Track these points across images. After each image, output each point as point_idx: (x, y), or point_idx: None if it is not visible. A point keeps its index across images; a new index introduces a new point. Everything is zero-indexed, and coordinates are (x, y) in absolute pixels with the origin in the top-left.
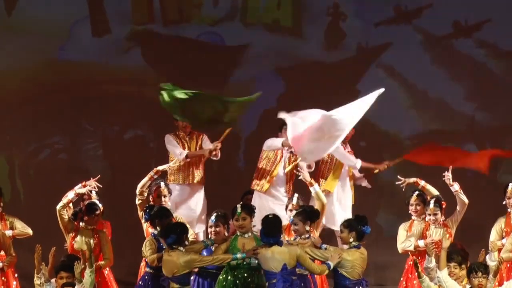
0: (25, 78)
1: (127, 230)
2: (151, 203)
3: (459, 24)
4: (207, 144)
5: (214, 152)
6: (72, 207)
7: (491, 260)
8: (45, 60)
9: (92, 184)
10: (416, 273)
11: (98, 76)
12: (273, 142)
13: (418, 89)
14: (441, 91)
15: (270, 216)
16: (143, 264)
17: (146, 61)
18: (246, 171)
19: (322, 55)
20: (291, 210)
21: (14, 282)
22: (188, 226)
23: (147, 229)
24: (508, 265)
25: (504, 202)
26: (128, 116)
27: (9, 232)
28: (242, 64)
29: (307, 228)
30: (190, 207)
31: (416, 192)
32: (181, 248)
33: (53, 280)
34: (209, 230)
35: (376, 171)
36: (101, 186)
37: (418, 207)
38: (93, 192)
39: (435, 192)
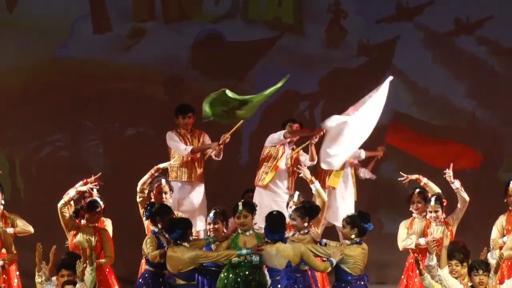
0: (26, 75)
1: (128, 228)
2: (153, 200)
3: (461, 21)
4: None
5: (221, 145)
6: (73, 204)
7: (493, 258)
8: (46, 58)
9: (93, 182)
10: (417, 271)
11: (99, 74)
12: (275, 136)
13: (419, 86)
14: (442, 88)
15: (274, 213)
16: (143, 261)
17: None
18: (247, 168)
19: (323, 52)
20: (292, 207)
21: (16, 280)
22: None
23: (149, 226)
24: (509, 263)
25: (505, 200)
26: (129, 114)
27: (10, 230)
28: (244, 62)
29: (305, 224)
30: (191, 205)
31: (417, 190)
32: (186, 244)
33: (54, 278)
34: (207, 227)
35: (379, 157)
36: (102, 183)
37: (419, 205)
38: (94, 190)
39: (437, 189)
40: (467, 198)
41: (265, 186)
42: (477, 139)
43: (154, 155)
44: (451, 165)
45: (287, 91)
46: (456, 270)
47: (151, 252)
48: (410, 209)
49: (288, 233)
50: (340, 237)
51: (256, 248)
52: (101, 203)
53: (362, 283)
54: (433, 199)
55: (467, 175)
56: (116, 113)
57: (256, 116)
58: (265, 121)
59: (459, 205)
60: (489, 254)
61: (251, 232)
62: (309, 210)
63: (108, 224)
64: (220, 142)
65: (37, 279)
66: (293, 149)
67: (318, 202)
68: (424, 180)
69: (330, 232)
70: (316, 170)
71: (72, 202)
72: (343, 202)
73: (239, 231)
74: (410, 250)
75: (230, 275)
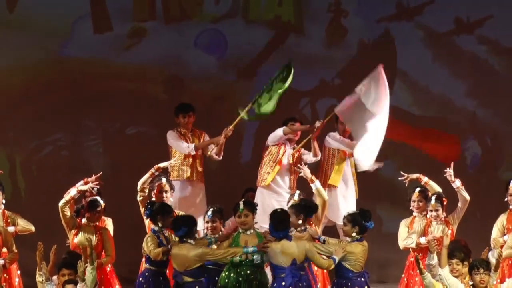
0: (26, 75)
1: (129, 227)
2: (153, 199)
3: (461, 21)
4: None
5: (225, 139)
6: (74, 204)
7: (494, 257)
8: (46, 57)
9: (94, 181)
10: (418, 270)
11: (99, 73)
12: (275, 133)
13: (420, 85)
14: (443, 87)
15: (278, 211)
16: (143, 261)
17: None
18: (248, 167)
19: (324, 51)
20: None
21: (17, 279)
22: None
23: (149, 225)
24: (510, 262)
25: (506, 199)
26: (129, 113)
27: (11, 229)
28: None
29: (300, 221)
30: (192, 204)
31: (418, 188)
32: (191, 241)
33: (55, 277)
34: (205, 225)
35: None
36: (102, 183)
37: (420, 203)
38: (95, 189)
39: (437, 188)
40: (468, 197)
41: (267, 186)
42: (477, 138)
43: (155, 155)
44: (452, 164)
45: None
46: (456, 269)
47: (153, 249)
48: (410, 208)
49: None
50: (341, 234)
51: (262, 245)
52: (101, 202)
53: (362, 279)
54: (433, 198)
55: (467, 174)
56: (117, 113)
57: None
58: (265, 120)
59: (459, 204)
60: (490, 253)
61: (251, 231)
62: (304, 207)
63: (109, 223)
64: (223, 135)
65: (38, 278)
66: (294, 148)
67: (318, 201)
68: (425, 179)
69: (331, 231)
70: (316, 169)
71: (72, 201)
72: (344, 201)
73: (240, 230)
74: (410, 249)
75: (232, 274)
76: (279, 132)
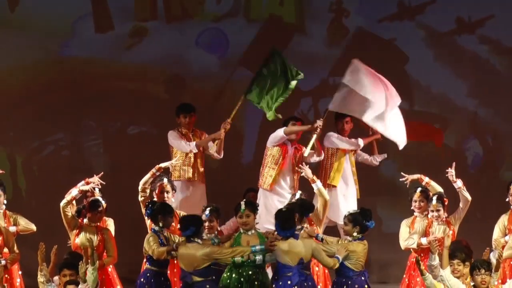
0: (27, 74)
1: (130, 227)
2: (155, 199)
3: (463, 21)
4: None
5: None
6: (75, 204)
7: (495, 258)
8: (48, 57)
9: (95, 181)
10: (418, 271)
11: (100, 73)
12: (275, 134)
13: (421, 85)
14: (444, 87)
15: (283, 209)
16: (144, 261)
17: None
18: (249, 167)
19: (325, 51)
20: None
21: (18, 280)
22: None
23: (150, 225)
24: (511, 263)
25: (507, 199)
26: (130, 113)
27: (12, 228)
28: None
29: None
30: (193, 204)
31: (420, 189)
32: (199, 241)
33: (56, 277)
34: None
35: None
36: (104, 183)
37: (422, 204)
38: (96, 189)
39: (439, 188)
40: (469, 198)
41: (270, 188)
42: (478, 138)
43: (156, 155)
44: (454, 164)
45: None
46: (458, 269)
47: (156, 248)
48: (411, 208)
49: None
50: (341, 234)
51: (269, 244)
52: (103, 202)
53: (362, 278)
54: (434, 198)
55: (468, 174)
56: (118, 113)
57: (258, 114)
58: (266, 120)
59: (461, 205)
60: (491, 254)
61: (253, 231)
62: (299, 207)
63: (110, 224)
64: (222, 129)
65: (40, 279)
66: (295, 149)
67: (319, 201)
68: (426, 179)
69: (332, 231)
70: (317, 169)
71: (74, 202)
72: (344, 200)
73: (241, 231)
74: (412, 250)
75: (233, 275)
76: (280, 132)
